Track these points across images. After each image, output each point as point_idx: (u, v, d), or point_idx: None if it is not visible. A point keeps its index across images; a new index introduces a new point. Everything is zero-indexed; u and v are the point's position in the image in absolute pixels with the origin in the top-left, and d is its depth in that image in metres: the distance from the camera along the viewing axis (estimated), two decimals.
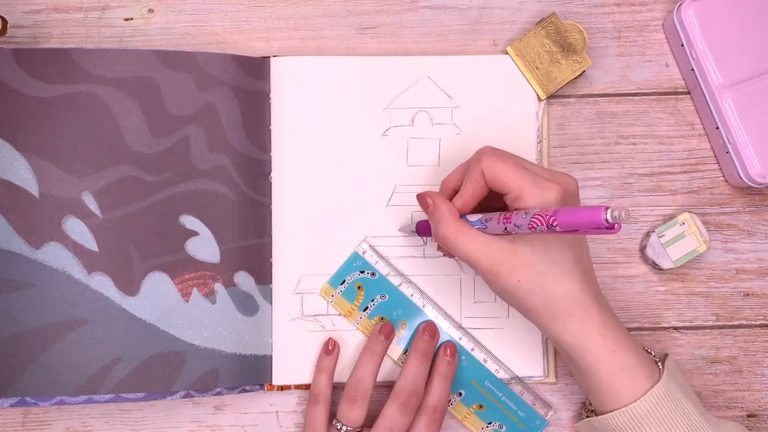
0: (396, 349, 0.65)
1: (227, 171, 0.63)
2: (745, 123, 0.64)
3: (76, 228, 0.61)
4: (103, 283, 0.61)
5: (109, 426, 0.65)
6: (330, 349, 0.64)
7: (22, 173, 0.61)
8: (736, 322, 0.67)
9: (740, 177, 0.64)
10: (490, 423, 0.65)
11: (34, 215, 0.61)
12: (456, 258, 0.65)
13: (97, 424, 0.65)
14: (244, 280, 0.63)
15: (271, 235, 0.65)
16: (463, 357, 0.65)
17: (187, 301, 0.62)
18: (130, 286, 0.62)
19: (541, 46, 0.65)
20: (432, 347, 0.64)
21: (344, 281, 0.65)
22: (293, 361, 0.65)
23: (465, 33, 0.67)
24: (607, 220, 0.47)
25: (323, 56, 0.66)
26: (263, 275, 0.64)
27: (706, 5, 0.64)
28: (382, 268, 0.65)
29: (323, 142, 0.65)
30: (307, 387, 0.65)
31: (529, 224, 0.51)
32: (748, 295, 0.67)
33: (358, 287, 0.65)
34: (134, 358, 0.61)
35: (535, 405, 0.65)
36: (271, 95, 0.65)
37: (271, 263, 0.65)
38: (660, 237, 0.65)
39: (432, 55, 0.67)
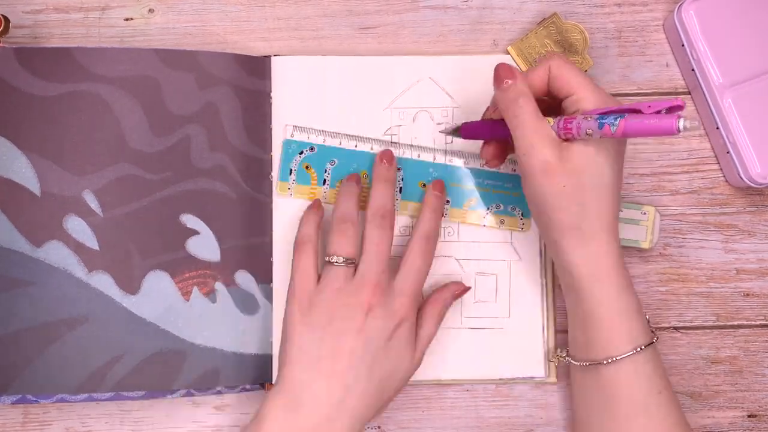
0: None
1: (228, 170, 0.63)
2: (745, 123, 0.64)
3: (77, 226, 0.61)
4: (103, 282, 0.61)
5: (109, 426, 0.65)
6: (315, 207, 0.63)
7: (23, 171, 0.61)
8: (736, 323, 0.67)
9: (740, 177, 0.64)
10: (488, 208, 0.65)
11: (35, 213, 0.61)
12: (500, 164, 0.63)
13: (97, 424, 0.65)
14: (244, 279, 0.63)
15: (271, 234, 0.65)
16: (431, 170, 0.65)
17: (188, 300, 0.62)
18: (130, 284, 0.62)
19: (542, 46, 0.66)
20: (392, 173, 0.62)
21: (291, 170, 0.64)
22: None
23: (465, 33, 0.67)
24: (678, 128, 0.50)
25: (324, 56, 0.66)
26: (264, 274, 0.64)
27: (706, 5, 0.64)
28: (316, 139, 0.64)
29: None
30: None
31: (598, 120, 0.53)
32: (748, 295, 0.67)
33: (306, 167, 0.64)
34: (134, 356, 0.61)
35: (516, 171, 0.65)
36: (272, 95, 0.65)
37: (271, 262, 0.65)
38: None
39: (432, 55, 0.67)
